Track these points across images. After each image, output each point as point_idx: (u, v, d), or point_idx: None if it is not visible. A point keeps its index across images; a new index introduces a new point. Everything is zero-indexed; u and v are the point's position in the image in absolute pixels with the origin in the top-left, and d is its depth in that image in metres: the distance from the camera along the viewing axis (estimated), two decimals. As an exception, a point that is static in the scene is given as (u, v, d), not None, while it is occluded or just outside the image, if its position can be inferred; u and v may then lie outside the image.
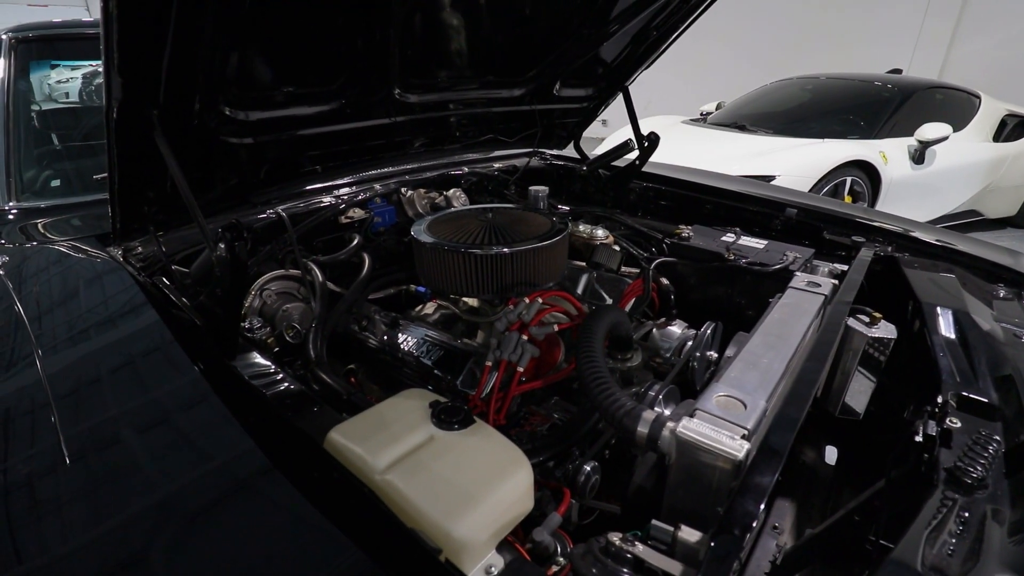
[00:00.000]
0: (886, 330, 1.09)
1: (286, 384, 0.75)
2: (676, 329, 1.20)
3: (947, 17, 6.02)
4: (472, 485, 0.54)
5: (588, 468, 0.80)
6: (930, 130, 3.47)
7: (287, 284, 1.14)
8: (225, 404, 0.61)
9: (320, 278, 1.09)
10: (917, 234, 1.37)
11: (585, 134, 1.85)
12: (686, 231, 1.40)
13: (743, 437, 0.61)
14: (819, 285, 1.04)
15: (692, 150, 3.45)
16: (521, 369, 0.87)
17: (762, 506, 0.52)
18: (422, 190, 1.45)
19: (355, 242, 1.21)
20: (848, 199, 3.40)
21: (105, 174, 1.08)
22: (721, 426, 0.62)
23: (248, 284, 0.97)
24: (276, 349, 0.99)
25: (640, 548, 0.52)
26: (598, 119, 1.83)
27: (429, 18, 1.01)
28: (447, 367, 1.00)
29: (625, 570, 0.50)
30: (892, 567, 0.50)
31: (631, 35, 1.39)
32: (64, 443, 0.60)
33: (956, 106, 4.06)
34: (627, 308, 1.24)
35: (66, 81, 1.69)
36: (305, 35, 0.80)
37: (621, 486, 0.85)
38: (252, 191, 1.01)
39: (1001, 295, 1.17)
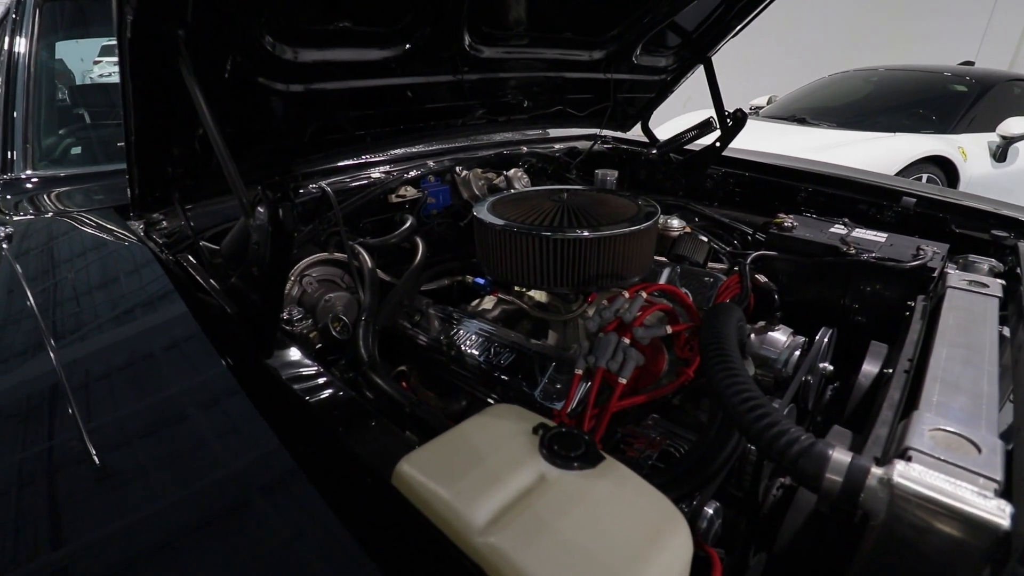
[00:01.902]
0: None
1: (334, 390, 0.59)
2: (781, 336, 0.99)
3: (1019, 11, 5.61)
4: (617, 558, 0.37)
5: (711, 511, 0.62)
6: (1015, 125, 3.17)
7: (330, 270, 0.99)
8: (266, 419, 0.45)
9: (369, 264, 0.93)
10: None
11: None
12: (788, 221, 1.19)
13: (997, 494, 0.42)
14: (986, 285, 0.83)
15: (751, 145, 3.21)
16: (624, 381, 0.69)
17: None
18: (479, 170, 1.29)
19: (408, 224, 1.05)
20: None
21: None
22: (958, 476, 0.43)
23: (291, 263, 0.81)
24: (319, 345, 0.83)
25: None
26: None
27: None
28: (520, 373, 0.83)
29: None
30: None
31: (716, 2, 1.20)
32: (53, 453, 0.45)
33: (1035, 99, 3.72)
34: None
35: (109, 75, 1.59)
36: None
37: (727, 527, 0.67)
38: (294, 158, 0.85)
39: None
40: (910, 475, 0.43)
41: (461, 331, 0.96)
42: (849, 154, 2.98)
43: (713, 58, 1.43)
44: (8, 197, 0.98)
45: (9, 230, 0.80)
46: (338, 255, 0.96)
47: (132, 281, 0.69)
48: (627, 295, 0.78)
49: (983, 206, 1.21)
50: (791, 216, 1.21)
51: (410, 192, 1.15)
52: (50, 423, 0.55)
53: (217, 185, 0.76)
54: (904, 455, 0.45)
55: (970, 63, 4.31)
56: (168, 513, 0.43)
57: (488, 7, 0.84)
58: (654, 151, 1.59)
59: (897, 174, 2.93)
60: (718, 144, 1.47)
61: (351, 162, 1.06)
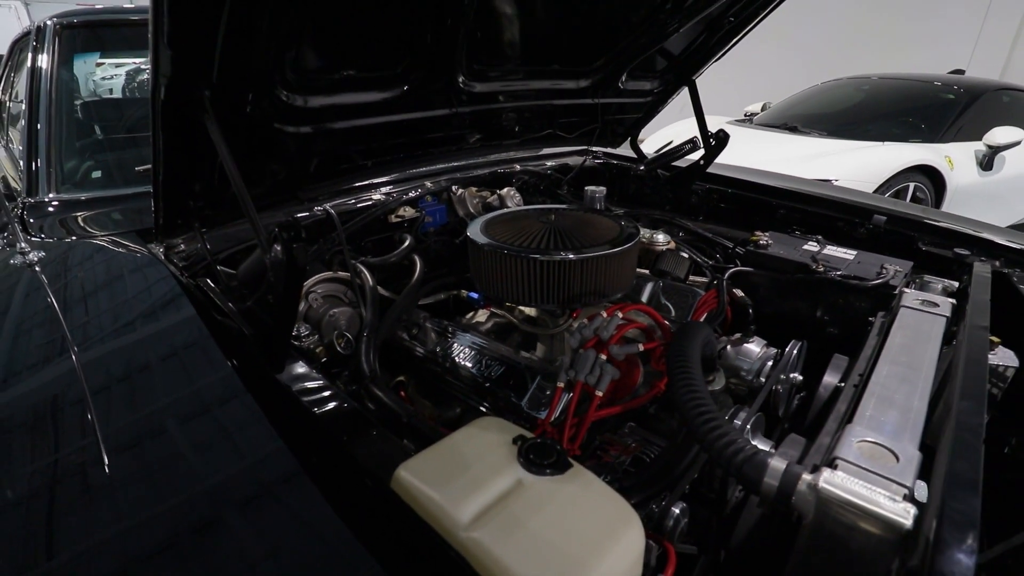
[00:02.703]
0: (1005, 357, 0.95)
1: (339, 402, 0.66)
2: (755, 347, 1.07)
3: (1011, 16, 5.68)
4: (578, 550, 0.44)
5: (677, 511, 0.69)
6: (1001, 134, 3.24)
7: (334, 287, 1.06)
8: (278, 432, 0.53)
9: (371, 282, 1.00)
10: (1015, 243, 1.21)
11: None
12: (764, 238, 1.27)
13: (905, 498, 0.49)
14: (936, 305, 0.90)
15: (741, 153, 3.28)
16: (600, 393, 0.77)
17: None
18: (473, 188, 1.36)
19: (407, 243, 1.12)
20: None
21: (148, 166, 1.01)
22: (874, 482, 0.50)
23: (299, 299, 0.89)
24: (324, 359, 0.90)
25: None
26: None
27: (498, 4, 0.91)
28: (509, 385, 0.90)
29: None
30: None
31: (706, 23, 1.27)
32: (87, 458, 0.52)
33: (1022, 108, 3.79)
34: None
35: (111, 78, 1.66)
36: (370, 13, 0.72)
37: (699, 526, 0.74)
38: (300, 186, 0.92)
39: None
40: (833, 481, 0.50)
41: (455, 344, 1.03)
42: (837, 163, 3.05)
43: (711, 64, 1.50)
44: (32, 220, 1.05)
45: (41, 253, 0.87)
46: (341, 273, 1.04)
47: (155, 302, 0.77)
48: (605, 314, 0.86)
49: (948, 224, 1.29)
50: (767, 233, 1.28)
51: (408, 212, 1.22)
52: (75, 427, 0.62)
53: (231, 213, 0.83)
54: (832, 463, 0.53)
55: (960, 71, 4.39)
56: (181, 509, 0.50)
57: (480, 48, 0.91)
58: (642, 167, 1.67)
59: (884, 183, 3.00)
60: (702, 162, 1.54)
61: (353, 185, 1.13)
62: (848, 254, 1.20)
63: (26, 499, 0.53)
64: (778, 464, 0.54)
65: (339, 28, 0.70)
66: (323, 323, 0.97)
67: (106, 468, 0.53)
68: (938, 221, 1.31)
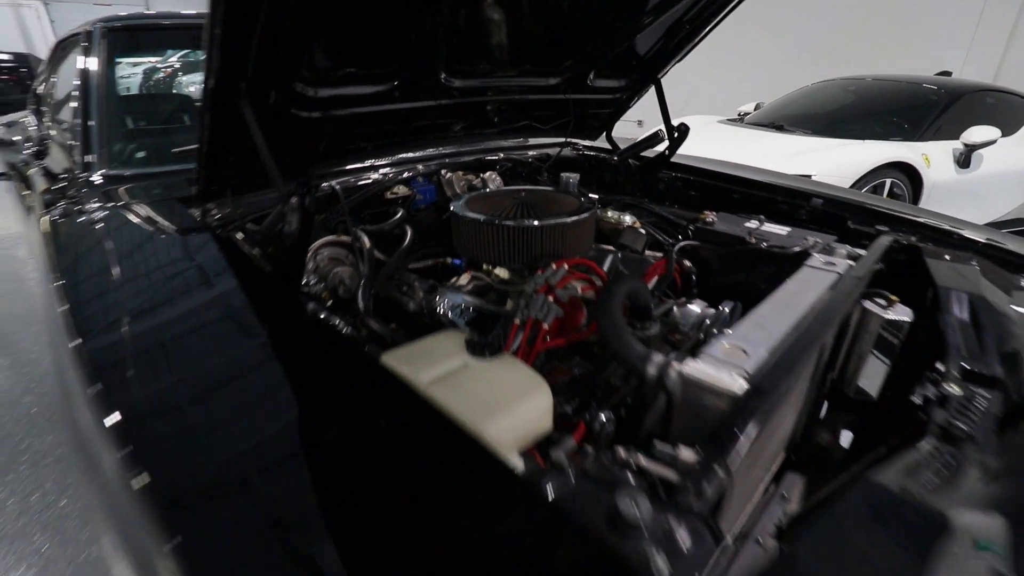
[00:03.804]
0: (901, 312, 1.13)
1: (339, 324, 0.86)
2: (696, 308, 1.26)
3: (1004, 17, 5.79)
4: (499, 399, 0.64)
5: (603, 417, 0.88)
6: (977, 133, 3.39)
7: (338, 251, 1.26)
8: (292, 337, 0.72)
9: (367, 244, 1.20)
10: (943, 226, 1.39)
11: (621, 135, 1.93)
12: (710, 217, 1.46)
13: (742, 377, 0.68)
14: (834, 264, 1.09)
15: (727, 150, 3.46)
16: (546, 326, 0.96)
17: (751, 426, 0.59)
18: (460, 172, 1.56)
19: (399, 215, 1.33)
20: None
21: (183, 148, 1.23)
22: (722, 368, 0.69)
23: (309, 242, 1.09)
24: (330, 303, 1.10)
25: (642, 459, 0.61)
26: (634, 120, 1.90)
27: (474, 11, 1.11)
28: (479, 327, 1.10)
29: (628, 472, 0.58)
30: (867, 484, 0.57)
31: (664, 28, 1.46)
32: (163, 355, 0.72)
33: (1009, 110, 3.93)
34: (649, 285, 1.31)
35: (127, 77, 1.86)
36: (367, 23, 0.91)
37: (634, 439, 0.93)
38: (311, 164, 1.13)
39: (1023, 284, 1.19)
40: (693, 367, 0.69)
41: (439, 299, 1.23)
42: (817, 160, 3.22)
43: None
44: (86, 191, 1.26)
45: (102, 214, 1.08)
46: (344, 238, 1.24)
47: (193, 249, 0.97)
48: (555, 267, 1.05)
49: (874, 205, 1.47)
50: (713, 213, 1.47)
51: (402, 190, 1.42)
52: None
53: (256, 183, 1.04)
54: (695, 355, 0.72)
55: (947, 73, 4.52)
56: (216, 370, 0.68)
57: (458, 49, 1.11)
58: (615, 158, 1.86)
59: (860, 179, 3.16)
60: (667, 152, 1.73)
61: (356, 166, 1.33)
62: (783, 230, 1.39)
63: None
64: (658, 358, 0.73)
65: (342, 34, 0.89)
66: (328, 277, 1.17)
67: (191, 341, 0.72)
68: (867, 203, 1.49)
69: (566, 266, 1.05)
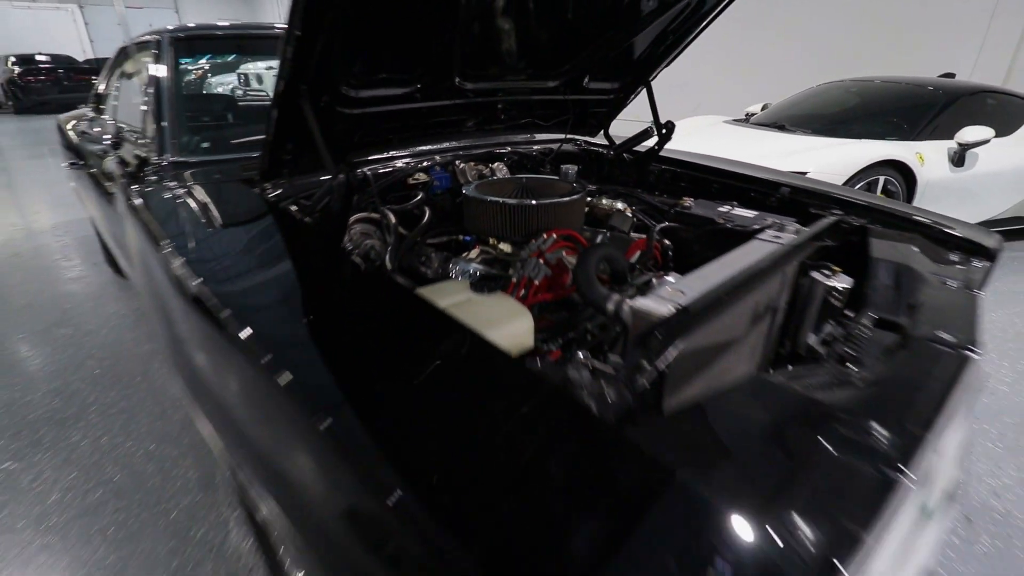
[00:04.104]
0: (842, 280, 1.34)
1: (380, 270, 1.10)
2: (671, 279, 1.47)
3: (1015, 19, 5.84)
4: (495, 318, 0.87)
5: (581, 354, 1.11)
6: (970, 133, 3.52)
7: (368, 227, 1.51)
8: (338, 278, 0.97)
9: (393, 220, 1.44)
10: (895, 211, 1.59)
11: (621, 133, 2.14)
12: (688, 202, 1.67)
13: (674, 308, 0.90)
14: (780, 237, 1.30)
15: (730, 148, 3.64)
16: (537, 283, 1.19)
17: (679, 341, 0.81)
18: (472, 163, 1.80)
19: (419, 197, 1.57)
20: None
21: (240, 140, 1.49)
22: (661, 302, 0.92)
23: (350, 210, 1.33)
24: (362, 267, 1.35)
25: (595, 362, 0.84)
26: (636, 121, 2.11)
27: (483, 25, 1.34)
28: (485, 287, 1.33)
29: (582, 367, 0.81)
30: (756, 379, 0.79)
31: (651, 38, 1.68)
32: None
33: (1008, 111, 4.04)
34: (632, 259, 1.53)
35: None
36: (396, 38, 1.15)
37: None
38: (349, 152, 1.37)
39: (952, 259, 1.39)
40: (639, 302, 0.92)
41: (451, 267, 1.47)
42: (812, 158, 3.39)
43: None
44: (163, 174, 1.53)
45: (181, 190, 1.34)
46: (373, 215, 1.48)
47: (256, 214, 1.22)
48: (545, 236, 1.28)
49: (834, 192, 1.67)
50: (692, 199, 1.68)
51: (422, 177, 1.67)
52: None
53: (306, 167, 1.29)
54: (645, 293, 0.94)
55: (951, 75, 4.63)
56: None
57: (470, 58, 1.34)
58: (611, 152, 2.08)
59: (854, 176, 3.32)
60: (656, 147, 1.95)
61: (383, 156, 1.57)
62: (750, 214, 1.60)
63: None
64: (616, 298, 0.96)
65: (377, 48, 1.13)
66: (360, 246, 1.42)
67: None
68: (829, 192, 1.69)
69: (555, 236, 1.28)
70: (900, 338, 1.02)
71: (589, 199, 1.77)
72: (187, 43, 1.91)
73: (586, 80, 1.72)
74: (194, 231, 1.12)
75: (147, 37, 2.04)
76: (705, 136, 4.26)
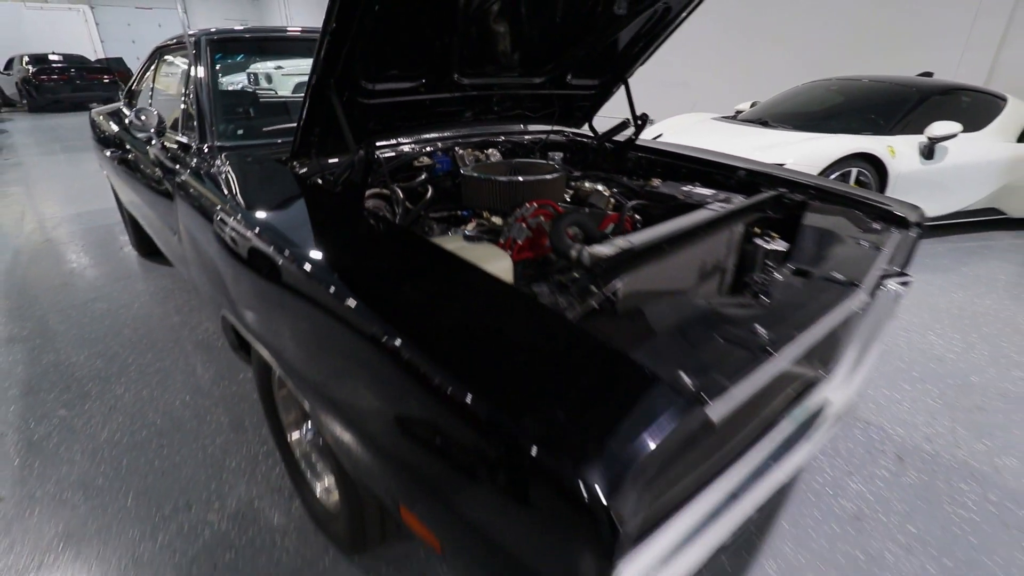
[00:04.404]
0: (779, 244, 1.60)
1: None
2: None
3: (997, 19, 6.06)
4: (483, 258, 1.13)
5: (544, 287, 1.36)
6: (938, 127, 3.75)
7: (378, 202, 1.76)
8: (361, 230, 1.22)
9: (401, 195, 1.70)
10: (834, 189, 1.83)
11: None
12: (657, 183, 1.93)
13: (621, 248, 1.15)
14: (723, 206, 1.55)
15: (715, 142, 3.88)
16: (520, 243, 1.45)
17: (627, 274, 1.06)
18: (470, 149, 2.06)
19: (423, 176, 1.83)
20: (855, 189, 3.75)
21: (274, 127, 1.75)
22: (611, 247, 1.17)
23: (368, 182, 1.58)
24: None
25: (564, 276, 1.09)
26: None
27: (480, 29, 1.60)
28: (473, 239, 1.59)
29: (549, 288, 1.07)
30: (692, 303, 1.04)
31: (624, 41, 1.93)
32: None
33: (980, 108, 4.27)
34: (607, 230, 1.78)
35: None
36: (406, 41, 1.41)
37: None
38: (363, 138, 1.63)
39: (875, 227, 1.64)
40: (595, 247, 1.17)
41: (451, 235, 1.72)
42: (790, 151, 3.63)
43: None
44: (205, 157, 1.79)
45: (226, 169, 1.60)
46: (384, 191, 1.74)
47: (288, 187, 1.48)
48: (528, 205, 1.54)
49: (779, 174, 1.92)
50: (659, 180, 1.94)
51: (426, 161, 1.92)
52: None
53: (330, 150, 1.55)
54: (602, 244, 1.19)
55: (929, 74, 4.86)
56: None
57: (467, 58, 1.60)
58: (595, 142, 2.34)
59: (828, 167, 3.57)
60: (633, 137, 2.20)
61: (392, 142, 1.82)
62: (709, 192, 1.85)
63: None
64: (579, 246, 1.21)
65: (390, 49, 1.39)
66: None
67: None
68: (778, 174, 1.94)
69: (535, 205, 1.54)
70: (805, 279, 1.27)
71: (574, 182, 2.02)
72: (220, 44, 2.17)
73: (569, 77, 1.98)
74: (242, 197, 1.38)
75: (183, 38, 2.30)
76: (694, 132, 4.51)
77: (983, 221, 4.64)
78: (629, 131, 2.20)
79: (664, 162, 2.18)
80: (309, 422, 1.49)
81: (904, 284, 1.81)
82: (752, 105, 5.36)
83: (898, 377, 2.38)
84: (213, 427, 1.99)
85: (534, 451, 0.61)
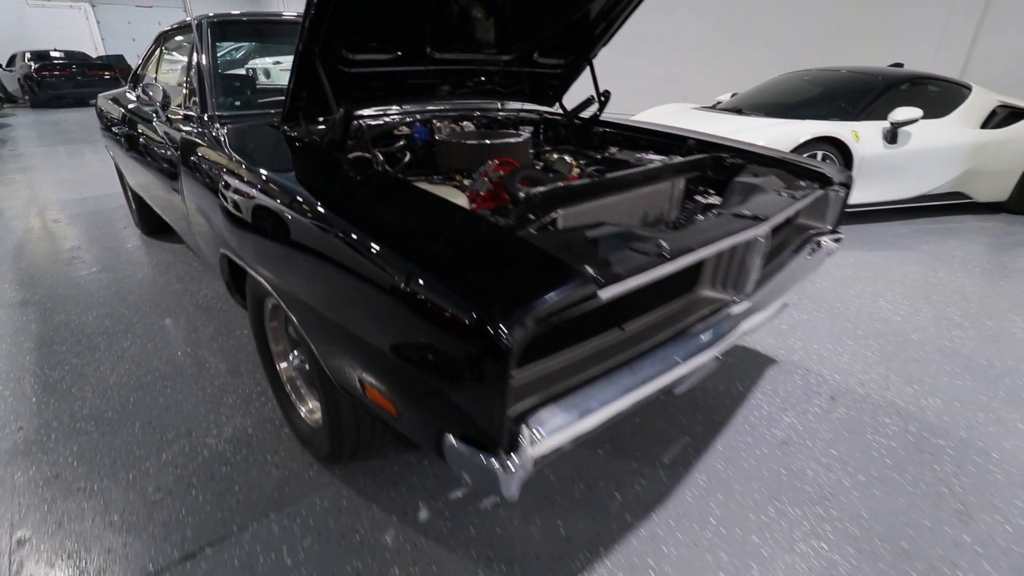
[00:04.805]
0: (715, 199, 1.80)
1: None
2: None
3: (970, 15, 6.28)
4: (442, 193, 1.33)
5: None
6: (900, 113, 3.96)
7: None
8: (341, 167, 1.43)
9: (380, 158, 1.90)
10: (771, 154, 2.03)
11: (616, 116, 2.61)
12: (614, 150, 2.13)
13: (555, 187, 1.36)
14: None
15: (692, 129, 4.08)
16: (482, 194, 1.65)
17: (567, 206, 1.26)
18: (447, 121, 2.26)
19: (402, 143, 2.03)
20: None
21: (265, 100, 1.96)
22: (548, 186, 1.37)
23: (348, 135, 1.77)
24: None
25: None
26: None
27: (449, 8, 1.80)
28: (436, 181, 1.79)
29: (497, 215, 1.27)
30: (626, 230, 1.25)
31: (586, 22, 2.13)
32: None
33: (945, 96, 4.47)
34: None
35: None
36: (381, 16, 1.61)
37: None
38: (346, 101, 1.83)
39: (800, 184, 1.84)
40: (537, 189, 1.37)
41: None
42: (758, 135, 3.83)
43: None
44: (206, 123, 1.99)
45: (224, 132, 1.80)
46: (365, 155, 1.94)
47: (276, 145, 1.67)
48: (490, 162, 1.74)
49: (726, 142, 2.12)
50: (617, 148, 2.14)
51: (405, 130, 2.13)
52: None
53: (317, 114, 1.75)
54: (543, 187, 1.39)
55: (899, 65, 5.07)
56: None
57: (438, 34, 1.80)
58: (564, 118, 2.54)
59: (793, 150, 3.77)
60: (598, 113, 2.41)
61: (375, 111, 2.02)
62: (659, 158, 2.05)
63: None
64: (525, 189, 1.41)
65: (368, 24, 1.59)
66: (356, 176, 1.88)
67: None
68: (722, 142, 2.14)
69: (497, 162, 1.74)
70: (719, 216, 1.47)
71: (544, 153, 2.22)
72: (220, 27, 2.37)
73: (536, 55, 2.18)
74: (236, 152, 1.58)
75: (185, 22, 2.50)
76: (674, 119, 4.71)
77: (951, 205, 4.85)
78: (594, 107, 2.40)
79: (624, 135, 2.39)
80: (295, 350, 1.69)
81: (836, 241, 2.02)
82: (732, 96, 5.56)
83: (843, 335, 2.58)
84: (212, 372, 2.19)
85: (465, 308, 0.81)
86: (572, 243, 1.14)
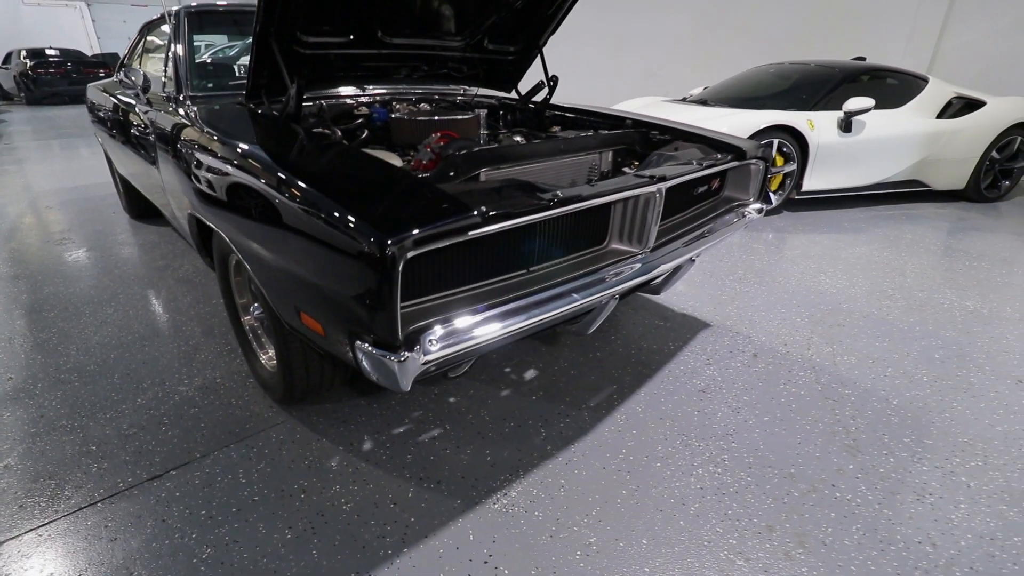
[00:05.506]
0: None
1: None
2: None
3: (937, 10, 6.48)
4: (387, 159, 1.52)
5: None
6: (853, 103, 4.15)
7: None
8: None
9: (339, 134, 2.09)
10: (695, 132, 2.23)
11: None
12: (556, 129, 2.32)
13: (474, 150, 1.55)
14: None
15: (659, 118, 4.27)
16: (425, 163, 1.84)
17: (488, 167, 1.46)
18: (406, 103, 2.45)
19: (361, 121, 2.22)
20: (779, 158, 4.16)
21: (235, 81, 2.16)
22: (469, 149, 1.56)
23: (301, 108, 1.96)
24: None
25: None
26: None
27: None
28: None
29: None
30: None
31: (531, 10, 2.33)
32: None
33: (903, 88, 4.67)
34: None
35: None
36: (333, 1, 1.80)
37: None
38: (305, 86, 2.02)
39: (716, 156, 2.03)
40: (459, 153, 1.56)
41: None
42: (717, 124, 4.01)
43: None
44: (182, 103, 2.17)
45: (195, 109, 1.99)
46: (325, 131, 2.13)
47: (240, 118, 1.86)
48: (433, 135, 1.93)
49: (658, 122, 2.31)
50: (558, 127, 2.33)
51: (364, 111, 2.32)
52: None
53: (277, 91, 1.94)
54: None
55: (862, 58, 5.27)
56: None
57: (389, 19, 1.99)
58: (518, 103, 2.73)
59: (749, 138, 3.96)
60: (548, 97, 2.60)
61: (333, 92, 2.22)
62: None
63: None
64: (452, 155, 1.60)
65: (320, 8, 1.78)
66: (315, 150, 2.07)
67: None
68: (654, 122, 2.33)
69: (439, 134, 1.94)
70: (623, 175, 1.66)
71: (500, 134, 2.41)
72: (197, 16, 2.56)
73: (486, 42, 2.37)
74: (206, 124, 1.77)
75: (165, 12, 2.68)
76: (644, 111, 4.91)
77: (911, 193, 5.05)
78: (544, 92, 2.59)
79: (572, 119, 2.58)
80: (256, 303, 1.88)
81: (759, 212, 2.22)
82: (704, 89, 5.76)
83: (778, 304, 2.78)
84: (187, 334, 2.38)
85: (364, 228, 1.00)
86: (476, 191, 1.33)
